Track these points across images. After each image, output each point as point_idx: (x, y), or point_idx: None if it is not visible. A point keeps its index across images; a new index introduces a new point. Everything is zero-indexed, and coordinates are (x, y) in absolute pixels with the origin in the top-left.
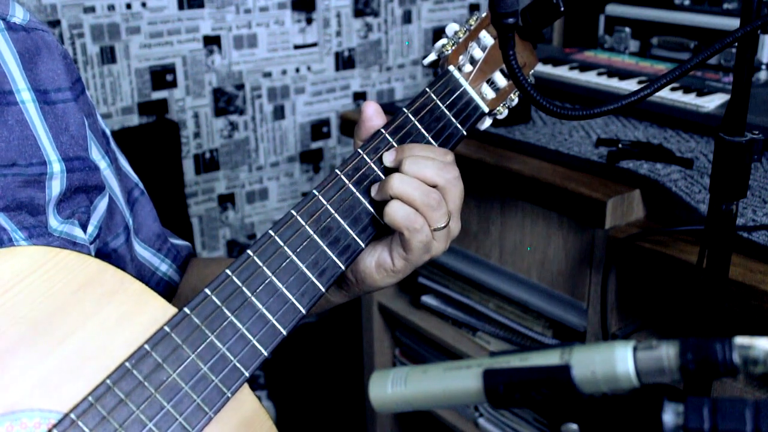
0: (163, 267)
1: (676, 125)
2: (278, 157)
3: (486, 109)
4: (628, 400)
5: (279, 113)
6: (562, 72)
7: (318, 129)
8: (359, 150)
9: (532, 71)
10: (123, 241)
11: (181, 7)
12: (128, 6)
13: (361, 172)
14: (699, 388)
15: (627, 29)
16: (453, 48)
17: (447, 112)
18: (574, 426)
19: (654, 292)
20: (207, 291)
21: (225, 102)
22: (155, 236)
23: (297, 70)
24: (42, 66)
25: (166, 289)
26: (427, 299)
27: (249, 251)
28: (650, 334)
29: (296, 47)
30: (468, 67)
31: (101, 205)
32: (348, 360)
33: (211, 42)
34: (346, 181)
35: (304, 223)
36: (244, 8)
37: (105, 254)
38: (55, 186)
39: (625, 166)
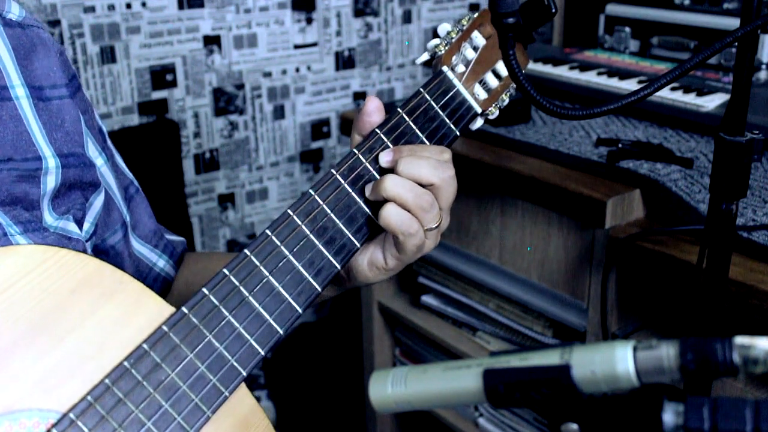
0: (161, 263)
1: (676, 125)
2: (278, 156)
3: (479, 110)
4: (628, 400)
5: (279, 113)
6: (562, 72)
7: (318, 129)
8: (354, 150)
9: (523, 71)
10: (120, 238)
11: (181, 6)
12: (128, 6)
13: (356, 172)
14: (699, 387)
15: (627, 29)
16: (446, 48)
17: (441, 113)
18: (574, 426)
19: (654, 292)
20: (205, 290)
21: (225, 102)
22: (152, 233)
23: (297, 70)
24: (37, 62)
25: (164, 284)
26: (427, 299)
27: (246, 251)
28: (650, 334)
29: (296, 47)
30: (461, 68)
31: (97, 202)
32: (348, 360)
33: (211, 42)
34: (342, 181)
35: (300, 223)
36: (244, 8)
37: (102, 250)
38: (50, 181)
39: (625, 166)
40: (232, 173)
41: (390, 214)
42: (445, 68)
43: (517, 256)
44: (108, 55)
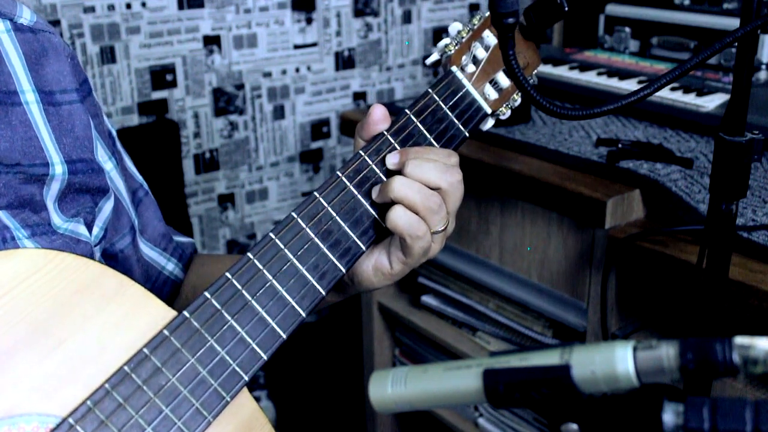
0: (170, 266)
1: (676, 125)
2: (278, 157)
3: (488, 110)
4: (628, 400)
5: (279, 113)
6: (562, 72)
7: (318, 129)
8: (360, 152)
9: (535, 71)
10: (129, 242)
11: (181, 6)
12: (128, 6)
13: (362, 174)
14: (699, 388)
15: (627, 29)
16: (456, 48)
17: (449, 114)
18: (574, 426)
19: (654, 292)
20: (207, 294)
21: (225, 102)
22: (161, 236)
23: (297, 70)
24: (48, 67)
25: (173, 288)
26: (427, 299)
27: (249, 254)
28: (650, 334)
29: (296, 47)
30: (471, 68)
31: (106, 207)
32: (348, 360)
33: (211, 42)
34: (348, 183)
35: (304, 226)
36: (244, 8)
37: (111, 255)
38: (55, 187)
39: (625, 166)
40: (232, 173)
41: (398, 216)
42: (454, 68)
43: (517, 256)
44: (108, 55)
